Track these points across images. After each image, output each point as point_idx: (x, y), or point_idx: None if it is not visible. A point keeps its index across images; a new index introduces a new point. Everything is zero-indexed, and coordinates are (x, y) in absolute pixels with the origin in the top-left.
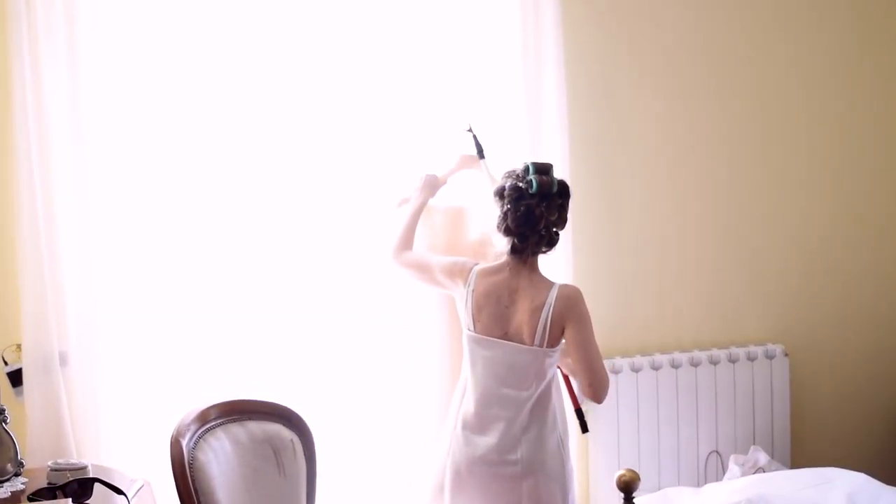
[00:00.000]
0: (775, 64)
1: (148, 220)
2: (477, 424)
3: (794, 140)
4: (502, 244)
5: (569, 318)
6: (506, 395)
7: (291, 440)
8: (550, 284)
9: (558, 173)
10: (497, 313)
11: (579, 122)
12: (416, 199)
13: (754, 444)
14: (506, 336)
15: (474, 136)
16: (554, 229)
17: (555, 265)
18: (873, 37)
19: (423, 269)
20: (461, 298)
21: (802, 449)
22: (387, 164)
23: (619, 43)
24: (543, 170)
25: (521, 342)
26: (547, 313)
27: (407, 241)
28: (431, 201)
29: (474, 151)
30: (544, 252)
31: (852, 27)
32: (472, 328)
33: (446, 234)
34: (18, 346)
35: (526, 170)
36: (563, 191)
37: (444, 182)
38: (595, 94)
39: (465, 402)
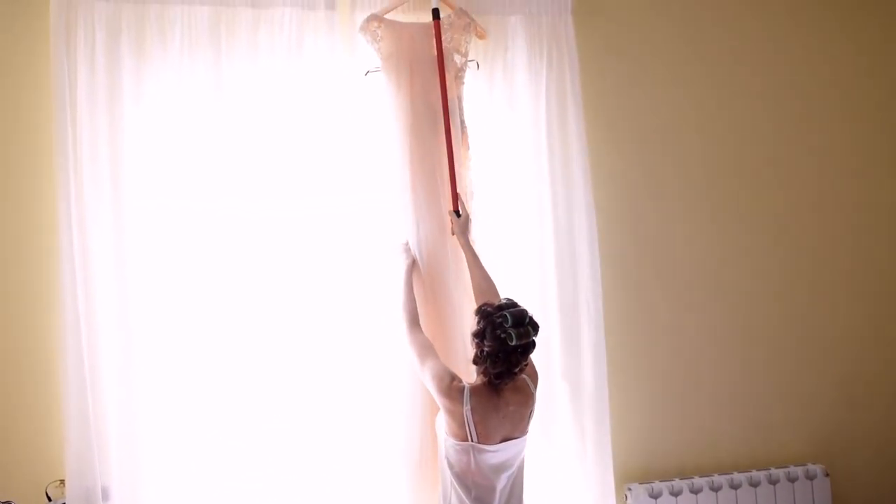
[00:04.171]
0: (800, 180)
1: (187, 357)
2: None
3: (822, 260)
4: (478, 372)
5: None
6: (507, 484)
7: None
8: (522, 377)
9: (589, 297)
10: (496, 423)
11: (609, 246)
12: (402, 264)
13: None
14: (504, 439)
15: None
16: (525, 363)
17: (590, 391)
18: None
19: (420, 361)
20: (455, 415)
21: None
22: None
23: (643, 166)
24: (520, 320)
25: (518, 436)
26: (533, 403)
27: (413, 313)
28: (398, 17)
29: None
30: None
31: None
32: (473, 439)
33: (413, 48)
34: (62, 482)
35: (504, 319)
36: (536, 331)
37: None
38: (623, 220)
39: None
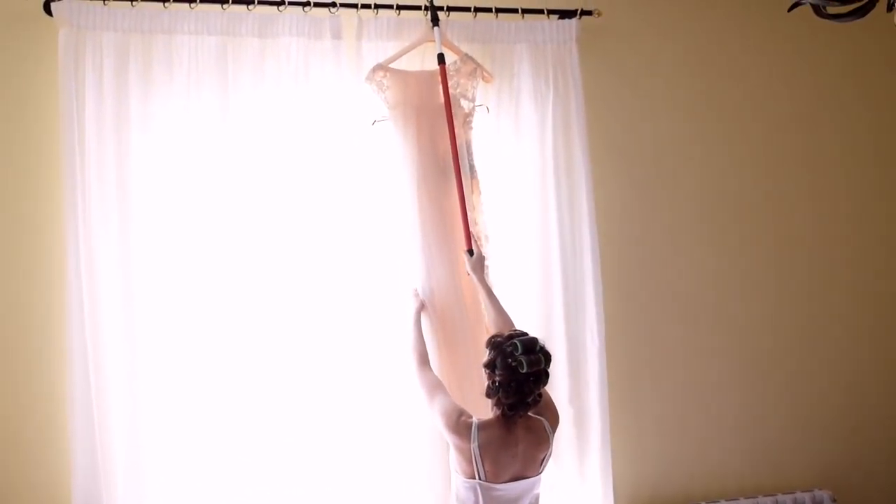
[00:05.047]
0: (811, 212)
1: (197, 384)
2: None
3: (828, 287)
4: (492, 406)
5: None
6: None
7: None
8: (539, 419)
9: (592, 323)
10: (506, 461)
11: (615, 273)
12: (411, 307)
13: None
14: (514, 478)
15: (431, 1)
16: (538, 392)
17: (593, 418)
18: None
19: (430, 399)
20: (463, 452)
21: None
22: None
23: (648, 194)
24: (530, 347)
25: (530, 475)
26: (547, 448)
27: (422, 352)
28: (402, 66)
29: (431, 21)
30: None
31: None
32: (481, 477)
33: (419, 95)
34: None
35: (514, 347)
36: (548, 360)
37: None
38: (628, 245)
39: None
